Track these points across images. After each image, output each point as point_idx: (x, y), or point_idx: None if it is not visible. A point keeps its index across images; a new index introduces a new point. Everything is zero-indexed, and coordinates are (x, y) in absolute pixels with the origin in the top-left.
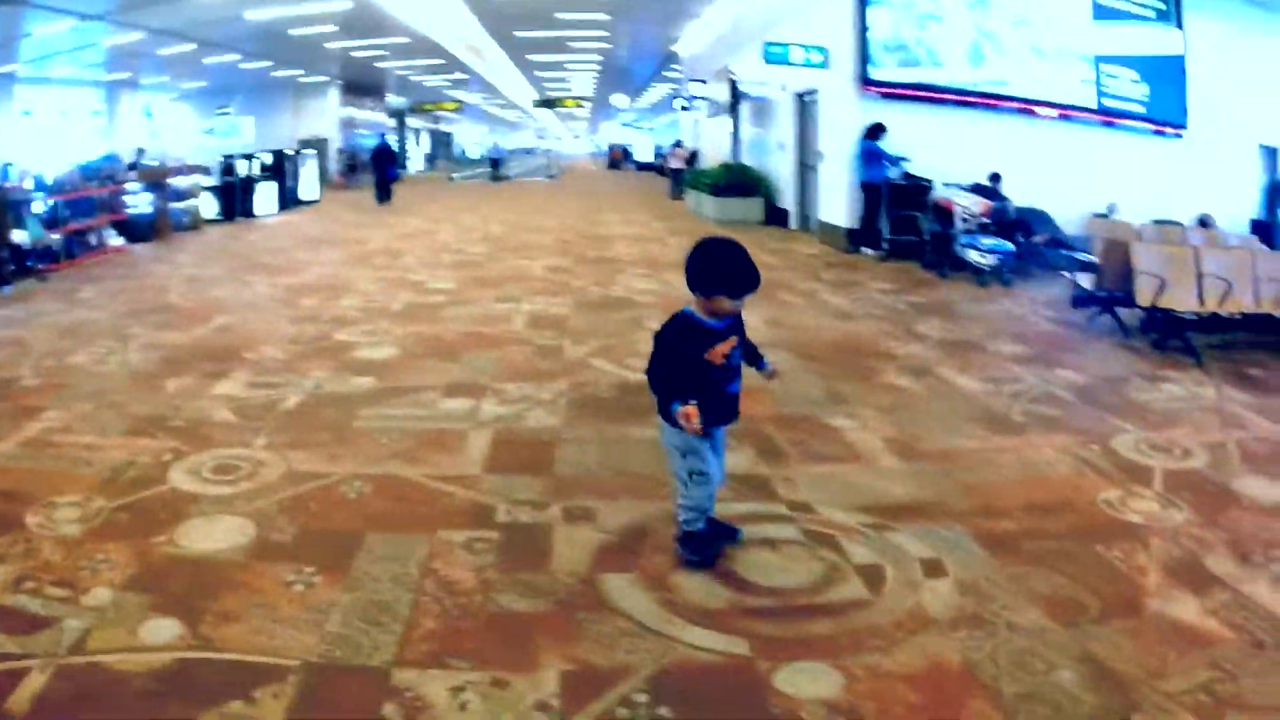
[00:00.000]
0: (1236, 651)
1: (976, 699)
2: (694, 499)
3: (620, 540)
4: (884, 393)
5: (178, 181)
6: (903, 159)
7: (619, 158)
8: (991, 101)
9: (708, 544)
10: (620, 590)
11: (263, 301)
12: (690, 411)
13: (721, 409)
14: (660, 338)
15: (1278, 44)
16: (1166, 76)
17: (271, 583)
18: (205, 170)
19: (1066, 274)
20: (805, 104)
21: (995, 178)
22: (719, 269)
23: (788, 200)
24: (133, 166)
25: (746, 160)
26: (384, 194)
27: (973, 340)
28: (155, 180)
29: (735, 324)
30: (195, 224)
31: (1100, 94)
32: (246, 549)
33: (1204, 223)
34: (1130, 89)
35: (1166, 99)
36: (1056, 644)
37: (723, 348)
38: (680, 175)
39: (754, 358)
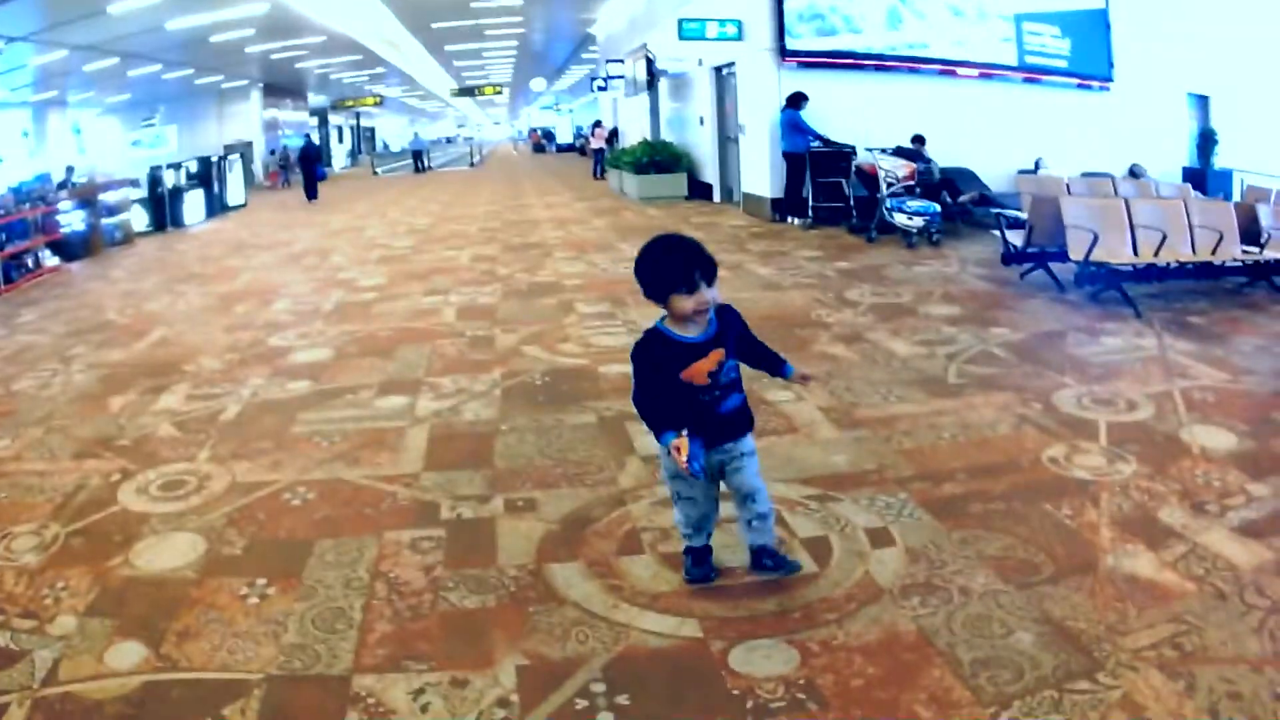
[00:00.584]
0: (1199, 604)
1: (935, 667)
2: (680, 517)
3: (563, 529)
4: (818, 362)
5: (108, 196)
6: (822, 137)
7: (538, 141)
8: (912, 65)
9: (700, 559)
10: (568, 580)
11: (197, 312)
12: (680, 445)
13: (717, 431)
14: (633, 359)
15: None
16: (1090, 30)
17: (227, 597)
18: (134, 183)
19: (996, 232)
20: (723, 77)
21: (918, 140)
22: (658, 265)
23: (710, 174)
24: (63, 185)
25: (667, 136)
26: (312, 192)
27: (904, 304)
28: (86, 197)
29: (721, 332)
30: (127, 238)
31: (1022, 51)
32: (199, 565)
33: (1135, 173)
34: (1053, 44)
35: (1091, 52)
36: (1012, 606)
37: (702, 365)
38: (601, 155)
39: (771, 363)
